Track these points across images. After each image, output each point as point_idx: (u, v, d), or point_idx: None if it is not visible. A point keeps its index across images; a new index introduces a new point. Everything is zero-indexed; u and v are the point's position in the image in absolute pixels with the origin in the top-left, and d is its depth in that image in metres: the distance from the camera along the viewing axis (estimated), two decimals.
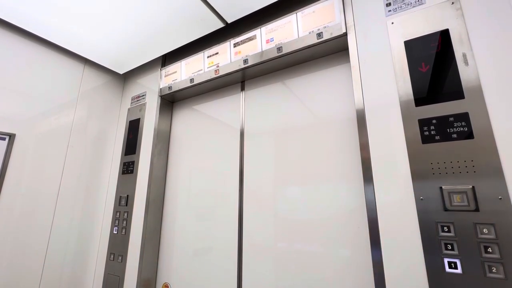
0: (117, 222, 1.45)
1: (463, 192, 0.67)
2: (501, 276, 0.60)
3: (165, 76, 1.50)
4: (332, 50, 1.07)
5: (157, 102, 1.51)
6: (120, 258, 1.37)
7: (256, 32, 1.18)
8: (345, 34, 0.95)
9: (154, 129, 1.47)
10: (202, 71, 1.33)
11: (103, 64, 1.56)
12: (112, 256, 1.41)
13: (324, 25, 1.00)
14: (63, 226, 1.36)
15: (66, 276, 1.35)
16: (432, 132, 0.73)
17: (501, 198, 0.63)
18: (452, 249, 0.66)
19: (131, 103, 1.66)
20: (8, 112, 1.22)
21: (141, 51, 1.42)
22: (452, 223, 0.67)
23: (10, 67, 1.25)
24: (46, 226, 1.30)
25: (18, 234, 1.20)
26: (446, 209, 0.68)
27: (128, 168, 1.51)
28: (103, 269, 1.42)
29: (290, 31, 1.08)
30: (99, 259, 1.47)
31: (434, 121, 0.74)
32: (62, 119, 1.41)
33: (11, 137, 1.21)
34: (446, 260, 0.66)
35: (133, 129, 1.57)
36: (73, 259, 1.39)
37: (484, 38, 0.72)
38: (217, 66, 1.28)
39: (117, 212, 1.47)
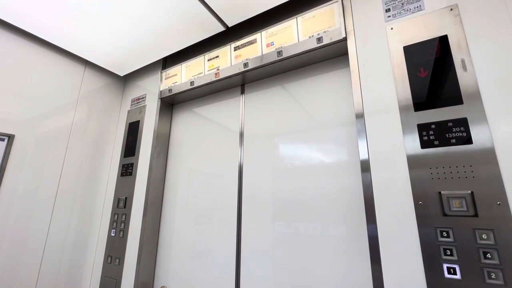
0: (115, 224, 1.44)
1: (462, 197, 0.67)
2: (501, 282, 0.60)
3: (166, 78, 1.51)
4: (331, 55, 1.07)
5: (157, 104, 1.51)
6: (117, 260, 1.36)
7: (256, 36, 1.19)
8: (345, 39, 0.96)
9: (154, 131, 1.47)
10: (203, 74, 1.34)
11: (103, 66, 1.56)
12: (109, 259, 1.40)
13: (324, 30, 1.01)
14: (61, 228, 1.36)
15: (63, 279, 1.34)
16: (431, 137, 0.73)
17: (500, 203, 0.63)
18: (451, 255, 0.65)
19: (131, 105, 1.66)
20: (8, 113, 1.22)
21: (141, 53, 1.43)
22: (451, 228, 0.67)
23: (11, 68, 1.25)
24: (43, 228, 1.29)
25: (15, 235, 1.19)
26: (445, 214, 0.68)
27: (127, 170, 1.50)
28: (100, 272, 1.41)
29: (290, 35, 1.09)
30: (96, 262, 1.46)
31: (433, 126, 0.74)
32: (61, 120, 1.41)
33: (10, 138, 1.21)
34: (445, 266, 0.66)
35: (133, 131, 1.57)
36: (70, 261, 1.38)
37: (482, 44, 0.73)
38: (217, 69, 1.29)
39: (115, 214, 1.46)
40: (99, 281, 1.40)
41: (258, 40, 1.18)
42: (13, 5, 1.11)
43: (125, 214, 1.41)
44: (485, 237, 0.63)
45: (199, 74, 1.36)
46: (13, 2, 1.09)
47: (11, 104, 1.24)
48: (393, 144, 0.79)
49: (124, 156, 1.55)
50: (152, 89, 1.57)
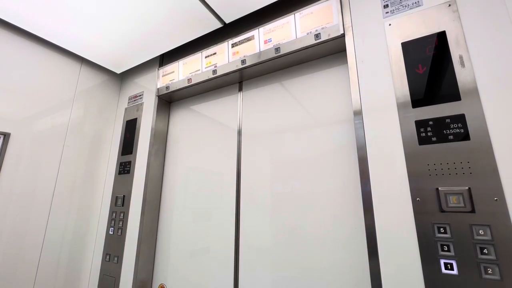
0: (113, 222, 1.44)
1: (459, 194, 0.67)
2: (497, 277, 0.60)
3: (163, 76, 1.50)
4: (329, 51, 1.07)
5: (155, 102, 1.50)
6: (116, 259, 1.36)
7: (254, 32, 1.18)
8: (343, 36, 0.96)
9: (151, 129, 1.46)
10: (200, 71, 1.33)
11: (100, 64, 1.55)
12: (107, 257, 1.40)
13: (322, 26, 1.00)
14: (58, 226, 1.35)
15: (61, 277, 1.34)
16: (429, 134, 0.74)
17: (496, 199, 0.63)
18: (448, 250, 0.66)
19: (128, 102, 1.65)
20: (3, 111, 1.21)
21: (138, 50, 1.41)
22: (448, 224, 0.67)
23: (6, 65, 1.24)
24: (40, 226, 1.28)
25: (12, 234, 1.18)
26: (442, 210, 0.68)
27: (124, 168, 1.50)
28: (99, 270, 1.41)
29: (288, 32, 1.08)
30: (94, 260, 1.46)
31: (430, 123, 0.74)
32: (58, 118, 1.40)
33: (6, 136, 1.20)
34: (442, 261, 0.66)
35: (130, 129, 1.56)
36: (68, 259, 1.38)
37: (480, 40, 0.73)
38: (215, 66, 1.28)
39: (113, 212, 1.46)
40: (97, 279, 1.40)
41: (256, 37, 1.17)
42: (8, 2, 1.09)
43: (123, 212, 1.41)
44: (482, 233, 0.63)
45: (196, 71, 1.35)
46: (9, 0, 1.08)
47: (7, 102, 1.22)
48: (391, 141, 0.79)
49: (122, 154, 1.54)
50: (149, 86, 1.56)
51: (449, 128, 0.71)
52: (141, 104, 1.56)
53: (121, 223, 1.40)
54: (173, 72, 1.45)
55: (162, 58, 1.61)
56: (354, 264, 0.88)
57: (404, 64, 0.81)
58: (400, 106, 0.79)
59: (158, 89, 1.50)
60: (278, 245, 1.04)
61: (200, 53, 1.35)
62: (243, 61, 1.19)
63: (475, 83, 0.71)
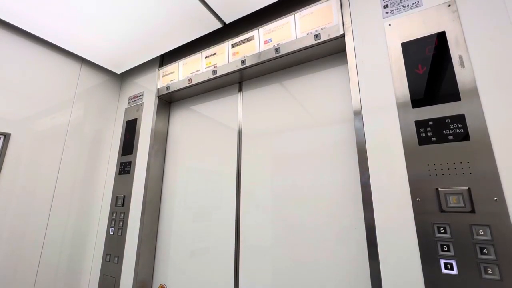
0: (113, 222, 1.44)
1: (459, 194, 0.67)
2: (497, 277, 0.60)
3: (163, 76, 1.50)
4: (329, 52, 1.07)
5: (155, 102, 1.50)
6: (116, 259, 1.36)
7: (254, 33, 1.18)
8: (343, 36, 0.96)
9: (151, 129, 1.46)
10: (200, 72, 1.33)
11: (100, 64, 1.55)
12: (108, 257, 1.40)
13: (322, 27, 1.00)
14: (59, 227, 1.35)
15: (61, 277, 1.34)
16: (429, 134, 0.74)
17: (496, 199, 0.63)
18: (448, 250, 0.66)
19: (128, 103, 1.65)
20: (3, 111, 1.21)
21: (138, 51, 1.41)
22: (448, 224, 0.67)
23: (6, 66, 1.24)
24: (41, 227, 1.28)
25: (12, 235, 1.18)
26: (442, 211, 0.68)
27: (124, 169, 1.50)
28: (99, 270, 1.41)
29: (288, 32, 1.08)
30: (94, 260, 1.46)
31: (430, 123, 0.74)
32: (58, 119, 1.40)
33: (6, 136, 1.20)
34: (442, 261, 0.66)
35: (130, 129, 1.56)
36: (68, 260, 1.38)
37: (480, 41, 0.73)
38: (215, 67, 1.28)
39: (113, 212, 1.46)
40: (98, 280, 1.40)
41: (256, 37, 1.17)
42: (8, 2, 1.09)
43: (124, 213, 1.41)
44: (482, 233, 0.63)
45: (196, 71, 1.35)
46: (9, 0, 1.08)
47: (7, 102, 1.23)
48: (391, 141, 0.79)
49: (122, 155, 1.54)
50: (150, 86, 1.56)
51: (449, 128, 0.71)
52: (141, 104, 1.56)
53: (121, 223, 1.40)
54: (173, 72, 1.45)
55: (162, 59, 1.61)
56: (354, 264, 0.88)
57: (404, 64, 0.81)
58: (400, 106, 0.79)
59: (158, 89, 1.50)
60: (278, 244, 1.04)
61: (200, 54, 1.35)
62: (243, 62, 1.19)
63: (475, 83, 0.71)
